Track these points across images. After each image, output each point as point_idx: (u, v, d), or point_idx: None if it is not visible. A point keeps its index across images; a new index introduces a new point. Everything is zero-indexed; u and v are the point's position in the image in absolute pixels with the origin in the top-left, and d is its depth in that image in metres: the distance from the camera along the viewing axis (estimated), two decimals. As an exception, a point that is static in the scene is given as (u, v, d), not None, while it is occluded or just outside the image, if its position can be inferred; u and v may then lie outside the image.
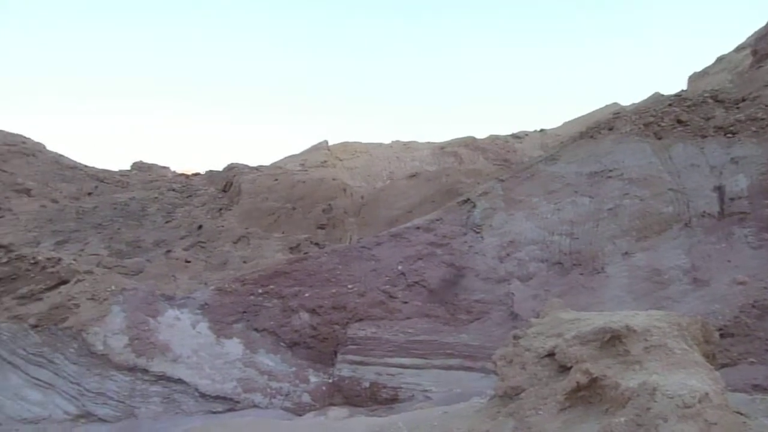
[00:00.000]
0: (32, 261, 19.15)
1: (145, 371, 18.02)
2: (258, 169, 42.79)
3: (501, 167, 39.85)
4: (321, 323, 18.98)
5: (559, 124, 50.08)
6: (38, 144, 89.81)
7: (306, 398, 17.99)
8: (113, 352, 17.86)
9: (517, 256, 20.87)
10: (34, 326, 18.28)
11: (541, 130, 48.90)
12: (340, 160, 45.12)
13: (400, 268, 20.41)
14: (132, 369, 17.98)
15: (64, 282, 19.04)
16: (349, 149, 46.99)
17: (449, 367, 18.07)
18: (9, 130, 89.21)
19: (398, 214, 35.24)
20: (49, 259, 19.47)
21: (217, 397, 17.93)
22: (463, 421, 8.45)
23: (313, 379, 18.32)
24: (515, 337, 7.79)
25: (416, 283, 19.92)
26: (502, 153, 45.13)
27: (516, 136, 48.22)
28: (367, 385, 17.94)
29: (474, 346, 18.33)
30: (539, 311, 9.03)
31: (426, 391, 17.65)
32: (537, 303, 18.49)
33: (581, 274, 19.49)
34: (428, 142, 48.91)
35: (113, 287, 19.04)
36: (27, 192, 75.70)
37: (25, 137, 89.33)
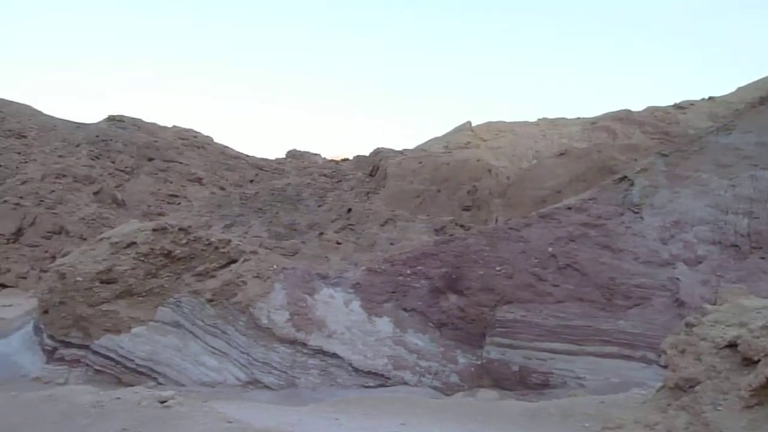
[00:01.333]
0: (207, 242, 21.26)
1: (304, 345, 19.29)
2: (403, 152, 43.49)
3: (661, 141, 36.63)
4: (468, 305, 18.93)
5: (731, 90, 44.77)
6: (207, 137, 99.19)
7: (454, 378, 18.11)
8: (276, 326, 19.34)
9: (683, 237, 19.11)
10: (210, 300, 20.35)
11: (710, 98, 44.07)
12: (484, 141, 44.37)
13: (550, 249, 19.66)
14: (293, 342, 19.34)
15: (234, 261, 20.92)
16: (493, 129, 46.04)
17: (605, 355, 17.13)
18: (181, 125, 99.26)
19: (546, 194, 33.90)
20: (220, 240, 21.49)
21: (369, 373, 18.69)
22: (625, 412, 7.93)
23: (461, 360, 18.38)
24: (688, 325, 7.11)
25: (568, 265, 19.06)
26: (662, 126, 41.43)
27: (679, 107, 43.96)
28: (516, 368, 17.61)
29: (633, 334, 17.19)
30: (713, 298, 8.18)
31: (579, 378, 16.92)
32: (707, 289, 16.84)
33: (762, 258, 17.36)
34: (577, 118, 46.37)
35: (275, 266, 20.56)
36: (199, 181, 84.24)
37: (196, 132, 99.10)
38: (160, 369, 20.04)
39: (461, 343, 18.71)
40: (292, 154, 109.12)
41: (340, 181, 44.02)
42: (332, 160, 61.52)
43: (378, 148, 46.66)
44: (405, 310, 19.66)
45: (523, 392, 17.00)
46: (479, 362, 18.07)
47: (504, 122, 47.66)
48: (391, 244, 33.95)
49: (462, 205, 36.51)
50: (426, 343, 18.98)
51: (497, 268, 19.51)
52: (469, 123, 47.88)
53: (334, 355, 19.07)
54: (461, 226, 33.54)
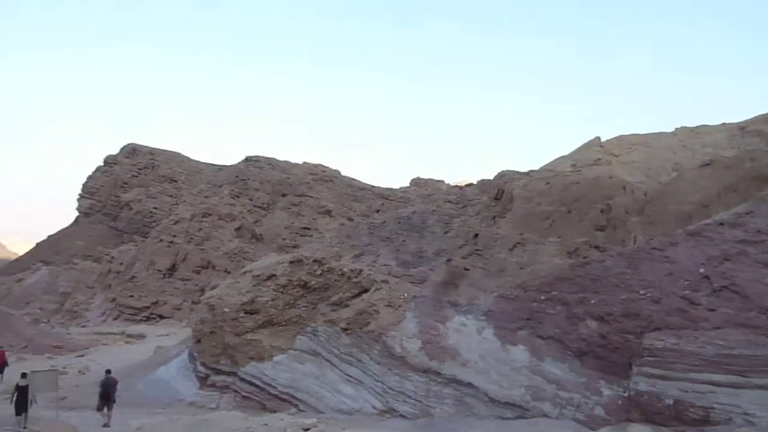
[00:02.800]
0: (340, 272, 21.96)
1: (438, 374, 19.10)
2: (528, 174, 42.29)
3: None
4: (611, 332, 17.70)
5: None
6: (335, 171, 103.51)
7: (599, 411, 16.92)
8: (409, 355, 19.38)
9: None
10: (344, 329, 20.91)
11: None
12: (616, 156, 41.94)
13: (702, 270, 17.92)
14: (426, 371, 19.24)
15: (366, 290, 21.39)
16: (625, 143, 43.41)
17: (778, 388, 15.12)
18: (311, 160, 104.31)
19: (691, 209, 31.12)
20: (352, 270, 22.10)
21: (506, 403, 18.02)
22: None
23: (606, 391, 17.15)
24: None
25: (725, 287, 17.22)
26: (827, 126, 36.64)
27: None
28: (670, 402, 16.06)
29: (812, 364, 15.03)
30: None
31: (747, 414, 15.05)
32: None
33: None
34: (722, 124, 42.42)
35: (405, 295, 20.70)
36: (329, 213, 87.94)
37: (324, 166, 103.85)
38: (300, 396, 20.82)
39: (604, 373, 17.48)
40: (416, 182, 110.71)
41: (465, 206, 43.64)
42: (456, 186, 61.37)
43: (502, 171, 45.80)
44: (541, 337, 18.83)
45: (679, 428, 15.45)
46: (626, 394, 16.73)
47: (637, 135, 44.77)
48: (521, 268, 32.84)
49: (595, 225, 34.56)
50: (565, 372, 17.98)
51: (641, 292, 18.12)
52: (598, 138, 45.58)
53: (469, 385, 18.66)
54: (596, 247, 31.74)
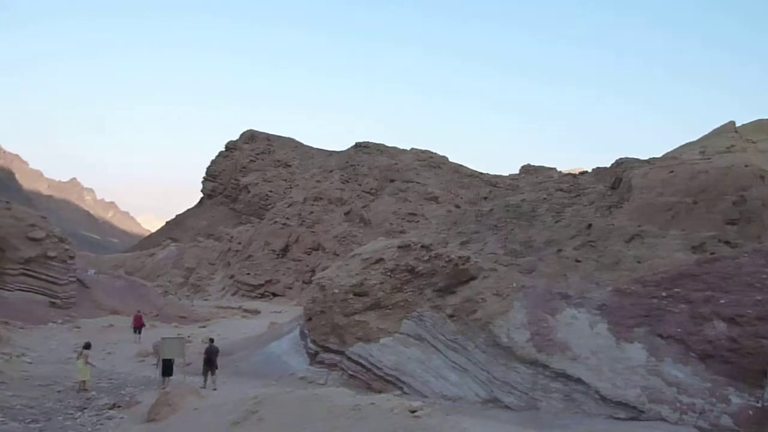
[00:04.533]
0: (447, 259, 21.92)
1: (546, 367, 18.57)
2: (649, 161, 39.66)
3: None
4: (743, 335, 16.27)
5: None
6: (443, 157, 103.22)
7: (726, 421, 15.66)
8: (516, 345, 19.00)
9: None
10: (450, 316, 20.89)
11: None
12: (753, 143, 38.22)
13: None
14: (533, 363, 18.77)
15: (473, 278, 21.19)
16: (765, 128, 39.44)
17: None
18: (419, 146, 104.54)
19: (844, 203, 27.77)
20: (460, 257, 21.97)
21: (619, 403, 17.19)
22: None
23: (734, 399, 15.84)
24: None
25: None
26: None
27: None
28: (812, 416, 14.57)
29: None
30: None
31: None
32: None
33: None
34: None
35: (514, 284, 20.28)
36: (435, 199, 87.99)
37: (432, 152, 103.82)
38: (405, 379, 21.12)
39: (733, 379, 16.13)
40: (526, 170, 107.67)
41: (578, 195, 41.82)
42: (569, 174, 58.99)
43: (620, 159, 43.28)
44: (660, 336, 17.70)
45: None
46: (759, 404, 15.36)
47: (779, 120, 40.51)
48: (639, 262, 31.00)
49: (726, 218, 31.78)
50: (688, 375, 16.80)
51: (780, 293, 16.47)
52: (732, 123, 41.73)
53: (579, 381, 17.98)
54: (726, 242, 29.23)
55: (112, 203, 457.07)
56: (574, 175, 50.01)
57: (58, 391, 17.96)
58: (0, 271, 37.49)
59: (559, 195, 43.89)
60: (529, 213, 42.27)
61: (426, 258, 22.71)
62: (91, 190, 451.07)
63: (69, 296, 40.08)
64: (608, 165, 45.60)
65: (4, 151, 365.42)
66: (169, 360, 19.69)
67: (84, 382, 18.30)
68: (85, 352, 18.69)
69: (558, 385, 18.30)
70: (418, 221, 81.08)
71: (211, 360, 20.62)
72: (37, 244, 39.31)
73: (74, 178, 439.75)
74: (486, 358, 19.65)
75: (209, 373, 20.56)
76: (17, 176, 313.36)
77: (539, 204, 42.86)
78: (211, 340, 21.98)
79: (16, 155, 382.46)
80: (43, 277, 39.04)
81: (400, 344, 21.97)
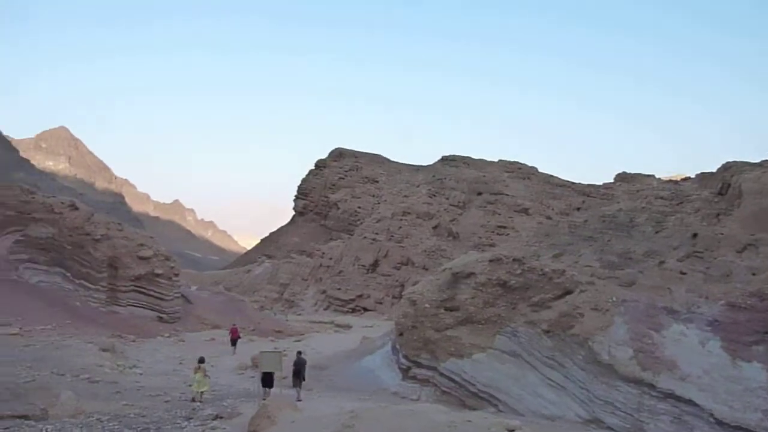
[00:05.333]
0: (541, 272, 21.24)
1: (652, 386, 17.46)
2: (762, 165, 36.67)
3: None
4: None
5: None
6: (532, 168, 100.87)
7: None
8: (618, 363, 18.01)
9: None
10: (546, 331, 20.16)
11: None
12: None
13: None
14: (638, 382, 17.71)
15: (569, 292, 20.38)
16: None
17: None
18: (508, 158, 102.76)
19: None
20: (554, 270, 21.23)
21: (737, 428, 15.85)
22: None
23: None
24: None
25: None
26: None
27: None
28: None
29: None
30: None
31: None
32: None
33: None
34: None
35: (614, 298, 19.30)
36: (525, 211, 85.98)
37: (520, 163, 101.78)
38: (500, 396, 20.58)
39: None
40: (622, 177, 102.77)
41: (681, 202, 39.36)
42: (670, 180, 55.78)
43: (728, 163, 40.34)
44: (783, 355, 16.17)
45: None
46: None
47: None
48: (754, 274, 28.62)
49: None
50: (818, 398, 15.22)
51: None
52: None
53: (690, 402, 16.76)
54: None
55: (211, 222, 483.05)
56: (675, 182, 47.20)
57: (166, 401, 19.00)
58: (114, 288, 40.46)
59: (660, 203, 41.51)
60: (627, 223, 40.26)
61: (518, 271, 22.13)
62: (192, 211, 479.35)
63: (174, 311, 42.53)
64: (713, 170, 42.66)
65: (115, 177, 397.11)
66: (268, 373, 20.42)
67: (201, 393, 19.46)
68: (202, 366, 19.90)
69: (666, 406, 17.16)
70: (507, 234, 79.44)
71: (299, 372, 21.22)
72: (146, 262, 42.09)
73: (177, 200, 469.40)
74: (586, 375, 18.78)
75: (298, 384, 21.23)
76: (127, 199, 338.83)
77: (637, 213, 40.73)
78: (299, 353, 22.58)
79: (126, 180, 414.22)
80: (152, 293, 41.70)
81: (494, 360, 21.48)
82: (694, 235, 34.25)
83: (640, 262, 35.51)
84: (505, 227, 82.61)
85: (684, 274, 31.63)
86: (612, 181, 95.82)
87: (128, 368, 24.71)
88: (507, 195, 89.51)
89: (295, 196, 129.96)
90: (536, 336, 20.38)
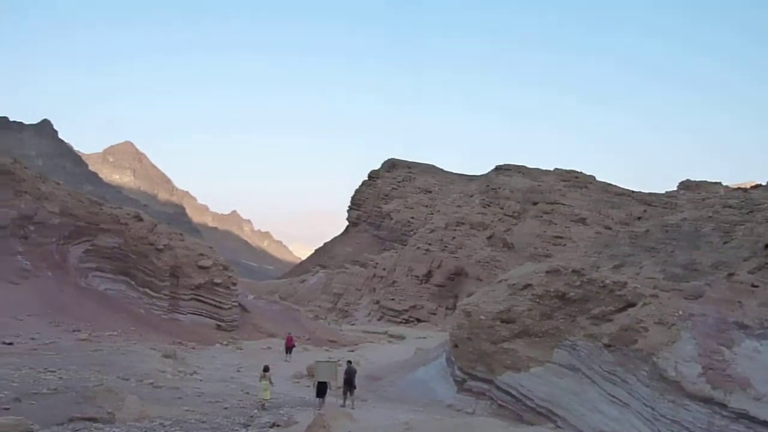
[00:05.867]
0: (601, 284, 20.58)
1: (723, 406, 16.54)
2: (841, 171, 34.51)
3: None
4: None
5: None
6: (589, 176, 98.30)
7: None
8: (685, 380, 17.17)
9: None
10: (607, 345, 19.47)
11: None
12: None
13: None
14: (708, 401, 16.81)
15: (631, 304, 19.63)
16: None
17: None
18: (564, 167, 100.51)
19: None
20: (615, 282, 20.52)
21: (820, 452, 14.79)
22: None
23: None
24: None
25: None
26: None
27: None
28: None
29: None
30: None
31: None
32: None
33: None
34: None
35: (680, 312, 18.46)
36: (583, 221, 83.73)
37: (577, 172, 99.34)
38: (559, 412, 19.97)
39: None
40: (686, 185, 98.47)
41: (751, 211, 37.39)
42: (738, 188, 53.13)
43: (803, 169, 38.20)
44: None
45: None
46: None
47: None
48: (835, 287, 26.80)
49: None
50: None
51: None
52: None
53: (766, 424, 15.77)
54: None
55: (267, 233, 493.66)
56: (744, 190, 44.94)
57: (225, 408, 19.39)
58: (175, 296, 41.80)
59: (727, 212, 39.60)
60: (692, 233, 38.59)
61: (577, 283, 21.51)
62: (248, 222, 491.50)
63: (232, 320, 43.54)
64: (787, 177, 40.41)
65: (176, 189, 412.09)
66: (324, 382, 20.57)
67: (266, 400, 19.94)
68: (267, 374, 20.41)
69: (739, 427, 16.20)
70: (564, 244, 77.52)
71: (349, 381, 21.28)
72: (205, 271, 43.33)
73: (234, 211, 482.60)
74: (650, 393, 17.98)
75: (348, 393, 21.24)
76: (187, 210, 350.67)
77: (703, 223, 38.99)
78: (349, 362, 22.70)
79: (186, 192, 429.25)
80: (211, 301, 42.85)
81: (552, 374, 20.90)
82: (766, 246, 32.46)
83: (707, 274, 33.91)
84: (561, 237, 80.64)
85: (756, 287, 29.99)
86: (675, 189, 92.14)
87: (189, 374, 25.39)
88: (563, 204, 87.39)
89: (349, 206, 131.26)
90: (597, 350, 19.71)
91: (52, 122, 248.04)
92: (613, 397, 19.09)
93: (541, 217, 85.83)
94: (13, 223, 36.49)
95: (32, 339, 27.86)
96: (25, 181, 39.11)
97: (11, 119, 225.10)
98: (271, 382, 20.47)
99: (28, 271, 35.36)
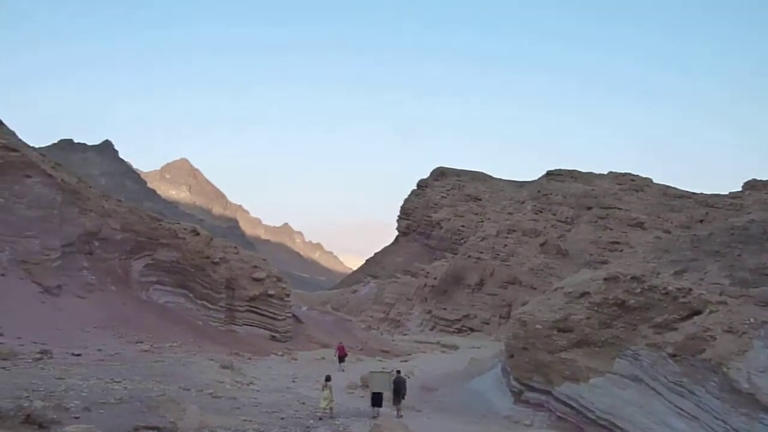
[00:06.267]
0: (663, 291, 19.79)
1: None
2: None
3: None
4: None
5: None
6: (645, 179, 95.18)
7: None
8: (761, 392, 16.25)
9: None
10: (672, 355, 18.66)
11: None
12: None
13: None
14: (788, 413, 15.87)
15: (697, 312, 18.79)
16: None
17: None
18: (616, 170, 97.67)
19: None
20: (679, 289, 19.70)
21: None
22: None
23: None
24: None
25: None
26: None
27: None
28: None
29: None
30: None
31: None
32: None
33: None
34: None
35: (751, 319, 17.52)
36: (640, 225, 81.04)
37: (633, 174, 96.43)
38: (622, 424, 19.24)
39: None
40: (752, 185, 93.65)
41: (825, 212, 35.38)
42: (808, 188, 50.49)
43: None
44: None
45: None
46: None
47: None
48: None
49: None
50: None
51: None
52: None
53: None
54: None
55: (318, 244, 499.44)
56: (816, 189, 42.58)
57: (282, 419, 19.57)
58: (231, 308, 42.72)
59: (799, 213, 37.53)
60: (760, 235, 36.74)
61: (638, 290, 20.75)
62: (300, 233, 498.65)
63: (286, 330, 44.11)
64: None
65: (230, 203, 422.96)
66: (378, 393, 20.65)
67: (331, 409, 20.35)
68: (329, 383, 20.70)
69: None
70: (621, 250, 75.14)
71: (398, 390, 21.45)
72: (260, 283, 44.12)
73: (286, 223, 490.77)
74: (721, 405, 17.11)
75: (397, 402, 21.48)
76: (240, 224, 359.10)
77: (773, 225, 37.04)
78: (398, 372, 22.98)
79: (239, 206, 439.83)
80: (265, 313, 43.57)
81: (614, 385, 20.19)
82: (844, 248, 30.61)
83: (778, 278, 32.10)
84: (618, 243, 78.20)
85: (834, 292, 28.20)
86: (740, 189, 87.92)
87: (245, 385, 25.80)
88: (619, 209, 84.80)
89: (398, 216, 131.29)
90: (661, 360, 18.91)
91: (113, 142, 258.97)
92: (681, 409, 18.27)
93: (596, 222, 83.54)
94: (79, 240, 38.17)
95: (98, 350, 28.96)
96: (90, 200, 40.90)
97: (75, 141, 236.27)
98: (331, 392, 20.78)
99: (93, 285, 36.88)
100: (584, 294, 21.74)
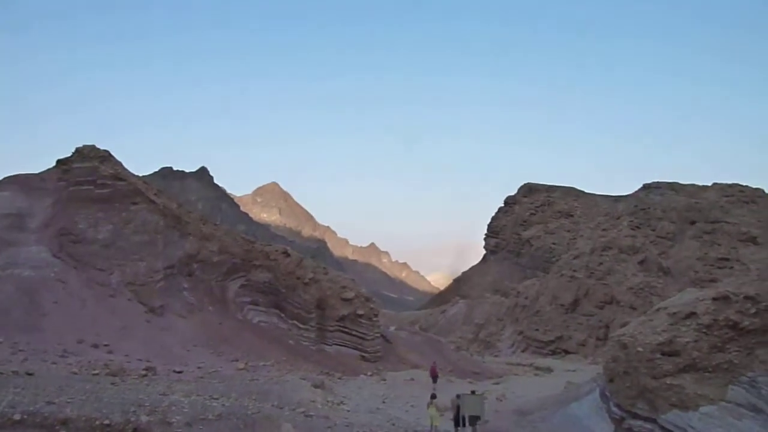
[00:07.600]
0: (784, 312, 17.99)
1: None
2: None
3: None
4: None
5: None
6: (757, 190, 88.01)
7: None
8: None
9: None
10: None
11: None
12: None
13: None
14: None
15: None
16: None
17: None
18: (723, 181, 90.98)
19: None
20: (802, 309, 17.85)
21: None
22: None
23: None
24: None
25: None
26: None
27: None
28: None
29: None
30: None
31: None
32: None
33: None
34: None
35: None
36: (753, 240, 74.81)
37: (742, 185, 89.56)
38: (741, 458, 17.55)
39: None
40: None
41: None
42: None
43: None
44: None
45: None
46: None
47: None
48: None
49: None
50: None
51: None
52: None
53: None
54: None
55: (404, 264, 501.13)
56: None
57: (374, 439, 19.57)
58: (321, 328, 43.52)
59: None
60: None
61: (753, 311, 19.00)
62: (386, 253, 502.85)
63: (376, 350, 44.27)
64: None
65: (318, 225, 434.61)
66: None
67: (436, 426, 20.76)
68: (434, 401, 20.95)
69: None
70: (731, 267, 69.61)
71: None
72: (349, 303, 44.68)
73: (372, 243, 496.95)
74: None
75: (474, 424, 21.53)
76: (329, 244, 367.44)
77: None
78: (473, 392, 23.35)
79: (327, 227, 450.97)
80: (354, 332, 43.99)
81: (729, 415, 18.48)
82: None
83: None
84: (728, 260, 72.49)
85: None
86: None
87: (337, 404, 26.03)
88: (728, 223, 78.76)
89: (486, 234, 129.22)
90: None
91: (209, 168, 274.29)
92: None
93: (702, 237, 78.01)
94: (180, 262, 40.44)
95: (198, 368, 30.35)
96: (190, 224, 43.32)
97: (174, 168, 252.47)
98: (437, 410, 21.12)
99: (193, 306, 38.87)
100: (691, 315, 20.18)
